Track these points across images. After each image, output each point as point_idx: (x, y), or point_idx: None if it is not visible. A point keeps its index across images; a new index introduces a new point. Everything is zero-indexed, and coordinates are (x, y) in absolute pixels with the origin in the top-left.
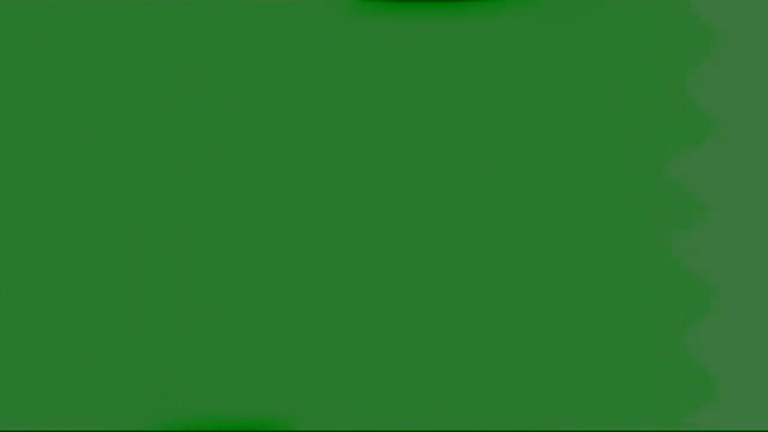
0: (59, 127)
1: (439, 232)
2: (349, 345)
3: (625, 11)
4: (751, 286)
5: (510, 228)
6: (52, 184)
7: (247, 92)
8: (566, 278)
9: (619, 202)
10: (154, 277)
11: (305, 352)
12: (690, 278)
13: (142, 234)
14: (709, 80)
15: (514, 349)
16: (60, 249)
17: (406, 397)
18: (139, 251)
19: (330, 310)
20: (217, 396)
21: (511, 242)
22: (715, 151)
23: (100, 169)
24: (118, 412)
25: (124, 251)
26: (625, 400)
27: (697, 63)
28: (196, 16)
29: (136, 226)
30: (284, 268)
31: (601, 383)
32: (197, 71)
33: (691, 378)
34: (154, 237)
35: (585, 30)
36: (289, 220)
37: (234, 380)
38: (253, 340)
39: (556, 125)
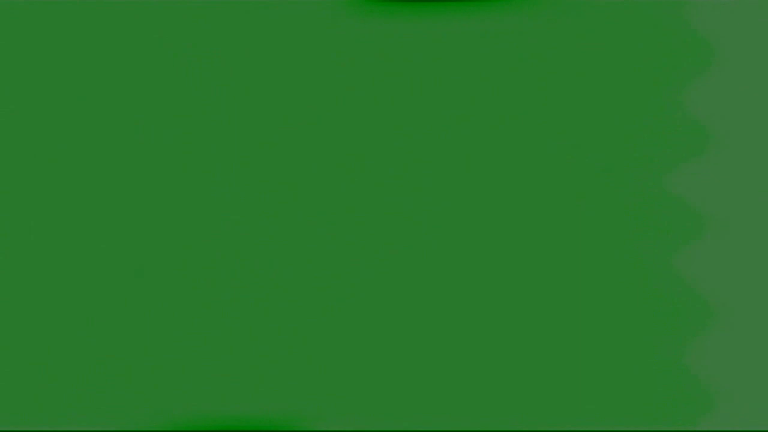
0: (59, 127)
1: (441, 234)
2: (353, 346)
3: (624, 26)
4: (751, 300)
5: (507, 238)
6: (52, 184)
7: (247, 92)
8: (565, 293)
9: (617, 216)
10: (157, 276)
11: (308, 352)
12: (689, 292)
13: (145, 234)
14: (708, 94)
15: (516, 359)
16: (60, 249)
17: (409, 397)
18: (143, 251)
19: (334, 310)
20: (220, 396)
21: (509, 253)
22: (714, 166)
23: (100, 169)
24: (118, 412)
25: (127, 251)
26: (625, 414)
27: (696, 77)
28: (196, 17)
29: (140, 226)
30: (286, 268)
31: (601, 398)
32: (196, 71)
33: (690, 393)
34: (157, 236)
35: (583, 43)
36: (293, 219)
37: (236, 380)
38: (255, 339)
39: (552, 143)
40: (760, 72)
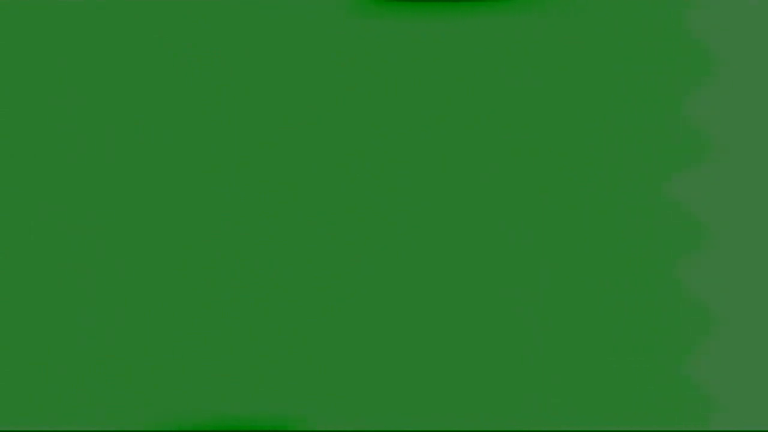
0: (59, 127)
1: (441, 236)
2: (352, 346)
3: (623, 33)
4: (750, 307)
5: (505, 244)
6: (52, 184)
7: (249, 92)
8: (563, 300)
9: (616, 222)
10: (157, 276)
11: (307, 352)
12: (688, 300)
13: (146, 233)
14: (708, 101)
15: (516, 366)
16: (60, 249)
17: (409, 397)
18: (143, 251)
19: (333, 310)
20: (220, 395)
21: (507, 259)
22: (713, 173)
23: (101, 168)
24: (119, 412)
25: (127, 251)
26: (624, 421)
27: (695, 84)
28: (197, 16)
29: (140, 226)
30: (286, 268)
31: (600, 405)
32: (197, 71)
33: (689, 401)
34: (157, 236)
35: (582, 49)
36: (293, 219)
37: (236, 380)
38: (255, 339)
39: (551, 149)
40: (760, 79)
